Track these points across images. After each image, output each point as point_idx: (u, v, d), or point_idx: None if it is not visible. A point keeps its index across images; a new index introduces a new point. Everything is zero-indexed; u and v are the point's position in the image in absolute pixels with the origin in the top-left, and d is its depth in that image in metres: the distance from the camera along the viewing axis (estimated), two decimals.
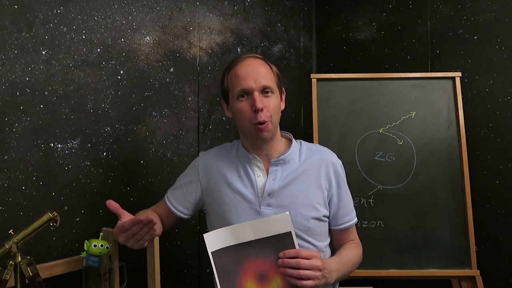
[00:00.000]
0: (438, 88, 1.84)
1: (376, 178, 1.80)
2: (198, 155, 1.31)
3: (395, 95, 1.86)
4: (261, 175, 1.18)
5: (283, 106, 1.22)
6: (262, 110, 1.10)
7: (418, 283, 1.91)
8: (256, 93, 1.11)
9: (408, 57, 2.16)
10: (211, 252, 0.95)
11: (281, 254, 0.94)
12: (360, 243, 1.28)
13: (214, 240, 0.95)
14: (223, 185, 1.20)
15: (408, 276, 1.72)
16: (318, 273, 0.95)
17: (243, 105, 1.13)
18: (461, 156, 1.77)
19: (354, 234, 1.28)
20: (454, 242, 1.71)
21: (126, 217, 1.00)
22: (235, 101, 1.15)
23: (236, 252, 0.95)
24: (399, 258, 1.72)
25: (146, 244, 1.03)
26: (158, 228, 1.09)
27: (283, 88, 1.23)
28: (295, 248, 0.96)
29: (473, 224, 1.71)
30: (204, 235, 0.96)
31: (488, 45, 1.92)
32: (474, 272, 1.67)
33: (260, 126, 1.11)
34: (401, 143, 1.82)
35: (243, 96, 1.13)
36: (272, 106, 1.13)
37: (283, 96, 1.24)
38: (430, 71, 2.06)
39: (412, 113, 1.84)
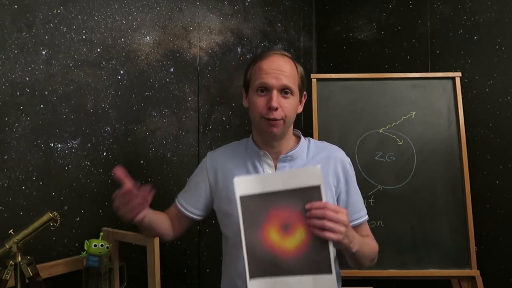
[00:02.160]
0: (438, 88, 1.85)
1: (376, 178, 1.80)
2: (198, 155, 1.32)
3: (395, 95, 1.86)
4: (270, 172, 1.18)
5: (300, 109, 1.22)
6: (276, 109, 1.10)
7: (418, 283, 1.91)
8: (275, 92, 1.11)
9: (408, 57, 2.16)
10: (239, 197, 0.95)
11: (308, 205, 0.92)
12: (375, 241, 1.24)
13: (243, 185, 0.96)
14: (230, 182, 1.19)
15: (408, 276, 1.72)
16: (342, 228, 0.93)
17: (260, 99, 1.13)
18: (461, 156, 1.77)
19: (366, 232, 1.25)
20: (454, 242, 1.71)
21: (128, 184, 1.05)
22: (253, 93, 1.15)
23: (263, 200, 0.95)
24: (399, 258, 1.72)
25: (136, 218, 1.10)
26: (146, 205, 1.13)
27: (305, 92, 1.23)
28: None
29: (473, 224, 1.71)
30: (235, 178, 0.96)
31: (488, 45, 1.92)
32: (474, 272, 1.67)
33: (270, 121, 1.12)
34: (401, 143, 1.82)
35: (262, 91, 1.13)
36: (288, 107, 1.13)
37: (303, 100, 1.23)
38: (430, 71, 2.06)
39: (412, 113, 1.84)
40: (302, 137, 1.25)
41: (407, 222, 1.75)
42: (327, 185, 1.18)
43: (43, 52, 1.29)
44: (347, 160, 1.24)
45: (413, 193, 1.77)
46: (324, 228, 0.91)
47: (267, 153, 1.18)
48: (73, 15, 1.36)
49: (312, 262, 0.93)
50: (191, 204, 1.27)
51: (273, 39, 2.20)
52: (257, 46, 2.10)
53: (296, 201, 0.93)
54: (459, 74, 1.85)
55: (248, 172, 1.20)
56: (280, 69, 1.12)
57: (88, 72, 1.41)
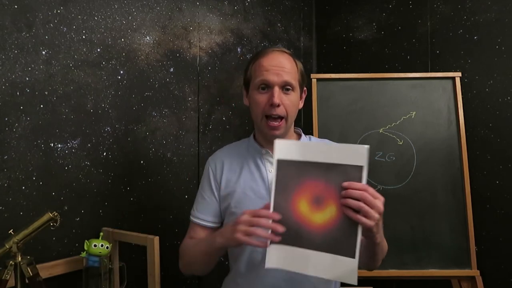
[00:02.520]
0: (438, 88, 1.85)
1: (376, 178, 1.80)
2: (198, 155, 1.31)
3: (395, 95, 1.86)
4: (272, 170, 1.14)
5: (301, 106, 1.22)
6: (279, 106, 1.10)
7: (418, 283, 1.91)
8: (277, 88, 1.11)
9: (408, 57, 2.16)
10: (277, 159, 0.94)
11: (346, 183, 0.89)
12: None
13: (283, 149, 0.94)
14: (233, 184, 1.19)
15: (408, 276, 1.72)
16: (376, 215, 0.89)
17: (261, 97, 1.12)
18: (461, 156, 1.77)
19: None
20: (454, 242, 1.71)
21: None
22: (255, 91, 1.14)
23: (300, 169, 0.92)
24: (399, 258, 1.72)
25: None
26: None
27: (305, 88, 1.23)
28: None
29: (473, 224, 1.71)
30: (276, 140, 0.95)
31: (488, 45, 1.92)
32: (474, 272, 1.67)
33: (272, 124, 1.11)
34: (401, 143, 1.82)
35: (263, 89, 1.13)
36: (290, 103, 1.13)
37: (303, 95, 1.23)
38: (430, 71, 2.06)
39: (412, 113, 1.84)
40: (303, 134, 1.25)
41: (407, 222, 1.75)
42: None
43: (43, 52, 1.29)
44: None
45: (413, 193, 1.77)
46: (358, 211, 0.88)
47: (269, 151, 1.18)
48: (73, 15, 1.36)
49: (337, 242, 0.90)
50: (209, 213, 1.22)
51: (273, 39, 2.20)
52: (257, 46, 2.10)
53: (334, 177, 0.90)
54: (459, 74, 1.85)
55: (250, 172, 1.19)
56: (281, 65, 1.12)
57: (88, 72, 1.41)
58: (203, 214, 1.21)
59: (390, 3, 2.22)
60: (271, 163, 1.17)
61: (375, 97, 1.87)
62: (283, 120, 1.12)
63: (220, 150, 1.29)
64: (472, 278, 1.68)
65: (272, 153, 1.16)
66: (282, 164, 0.94)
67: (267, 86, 1.12)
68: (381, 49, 2.24)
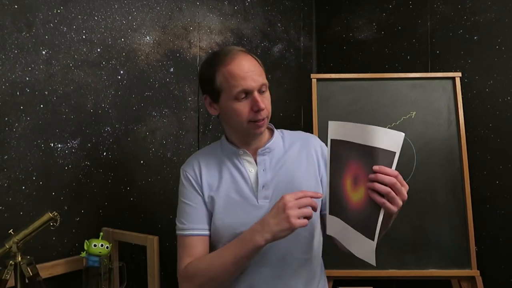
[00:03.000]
0: (438, 88, 1.84)
1: None
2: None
3: (395, 95, 1.86)
4: (252, 170, 1.15)
5: None
6: (263, 109, 1.09)
7: (418, 283, 1.91)
8: (256, 93, 1.08)
9: (408, 57, 2.16)
10: (331, 139, 1.01)
11: (376, 167, 0.89)
12: None
13: (336, 129, 1.00)
14: (215, 188, 1.14)
15: (408, 276, 1.72)
16: (401, 202, 0.90)
17: (243, 106, 1.08)
18: (461, 156, 1.77)
19: None
20: (454, 242, 1.71)
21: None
22: (232, 101, 1.09)
23: (347, 149, 0.97)
24: (399, 258, 1.72)
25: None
26: None
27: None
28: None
29: (473, 224, 1.71)
30: (330, 122, 1.00)
31: (488, 45, 1.92)
32: (474, 272, 1.67)
33: (258, 123, 1.09)
34: None
35: (243, 98, 1.09)
36: (268, 103, 1.11)
37: None
38: (430, 71, 2.06)
39: (412, 113, 1.84)
40: (275, 129, 1.23)
41: (407, 222, 1.75)
42: (309, 170, 1.17)
43: (43, 52, 1.29)
44: (323, 144, 1.23)
45: (413, 193, 1.76)
46: (383, 196, 0.88)
47: (246, 151, 1.15)
48: (73, 15, 1.36)
49: (362, 221, 0.94)
50: (203, 221, 1.12)
51: (273, 39, 2.20)
52: (257, 46, 2.10)
53: (368, 159, 0.92)
54: (459, 74, 1.85)
55: (231, 175, 1.14)
56: (252, 69, 1.08)
57: (88, 72, 1.41)
58: (198, 224, 1.11)
59: (390, 3, 2.22)
60: (249, 161, 1.15)
61: (375, 97, 1.86)
62: (266, 118, 1.11)
63: (192, 157, 1.21)
64: (472, 278, 1.68)
65: (249, 152, 1.15)
66: (335, 144, 1.00)
67: (246, 93, 1.08)
68: (381, 49, 2.24)
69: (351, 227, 0.97)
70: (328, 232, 1.07)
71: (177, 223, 1.14)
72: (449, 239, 1.72)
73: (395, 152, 0.89)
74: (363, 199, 0.93)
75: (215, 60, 1.11)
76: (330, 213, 1.04)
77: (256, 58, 1.14)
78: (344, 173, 0.98)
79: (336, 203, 1.01)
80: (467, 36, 1.98)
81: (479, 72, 1.94)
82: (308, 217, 0.98)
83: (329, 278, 1.73)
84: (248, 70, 1.08)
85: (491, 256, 1.87)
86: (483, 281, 1.66)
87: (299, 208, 0.97)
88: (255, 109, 1.07)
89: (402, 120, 1.84)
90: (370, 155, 0.91)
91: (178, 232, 1.13)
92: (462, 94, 1.83)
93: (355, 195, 0.96)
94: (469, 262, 1.68)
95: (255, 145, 1.17)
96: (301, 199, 0.98)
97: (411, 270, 1.71)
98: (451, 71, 1.96)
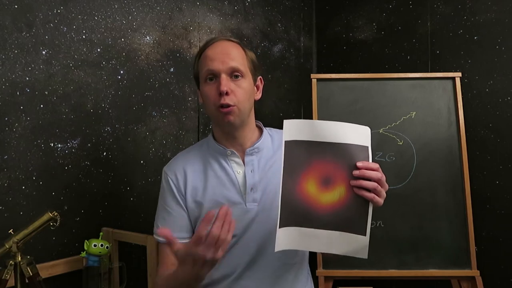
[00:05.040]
0: (438, 88, 1.84)
1: None
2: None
3: (395, 95, 1.86)
4: (240, 171, 1.09)
5: (258, 96, 1.14)
6: (227, 93, 1.01)
7: (418, 283, 1.91)
8: (224, 76, 1.03)
9: (408, 57, 2.16)
10: (285, 141, 0.90)
11: (360, 164, 0.88)
12: None
13: (292, 130, 0.91)
14: (201, 193, 1.08)
15: (408, 276, 1.72)
16: (385, 194, 0.90)
17: (210, 88, 1.04)
18: (461, 156, 1.77)
19: None
20: (454, 242, 1.71)
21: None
22: (203, 84, 1.06)
23: (308, 149, 0.90)
24: (399, 258, 1.72)
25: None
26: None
27: (261, 78, 1.15)
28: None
29: (473, 224, 1.71)
30: (285, 121, 0.90)
31: (488, 45, 1.92)
32: (474, 272, 1.67)
33: (223, 110, 1.02)
34: (401, 143, 1.82)
35: (211, 80, 1.05)
36: (241, 91, 1.04)
37: (260, 85, 1.15)
38: (430, 71, 2.06)
39: (412, 113, 1.84)
40: (263, 128, 1.18)
41: (407, 222, 1.74)
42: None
43: (43, 52, 1.29)
44: None
45: (413, 193, 1.77)
46: (370, 190, 0.88)
47: (234, 151, 1.09)
48: (73, 15, 1.36)
49: (348, 220, 0.90)
50: (186, 229, 1.08)
51: (273, 39, 2.20)
52: (257, 46, 2.10)
53: (344, 158, 0.89)
54: (459, 74, 1.85)
55: (217, 176, 1.08)
56: (225, 52, 1.05)
57: (88, 72, 1.41)
58: (174, 232, 0.99)
59: (390, 3, 2.22)
60: (237, 163, 1.09)
61: (375, 97, 1.86)
62: (235, 107, 1.03)
63: (176, 158, 1.15)
64: (472, 278, 1.68)
65: (238, 153, 1.10)
66: (290, 145, 0.90)
67: (214, 76, 1.04)
68: (381, 49, 2.24)
69: (326, 229, 0.91)
70: (278, 249, 0.90)
71: (154, 225, 1.11)
72: (449, 239, 1.71)
73: (368, 146, 0.90)
74: (345, 197, 0.90)
75: (200, 49, 1.12)
76: (281, 226, 0.89)
77: (245, 48, 1.11)
78: (301, 176, 0.90)
79: (292, 213, 0.90)
80: (467, 36, 1.98)
81: (479, 72, 1.94)
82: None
83: (329, 278, 1.73)
84: (220, 53, 1.05)
85: (491, 256, 1.87)
86: (483, 281, 1.66)
87: (216, 245, 0.83)
88: (218, 91, 1.02)
89: (402, 120, 1.84)
90: (344, 152, 0.89)
91: (154, 235, 1.10)
92: (462, 94, 1.83)
93: (327, 197, 0.90)
94: (469, 262, 1.68)
95: (241, 141, 1.11)
96: (215, 238, 0.82)
97: (411, 270, 1.71)
98: (451, 71, 1.96)
